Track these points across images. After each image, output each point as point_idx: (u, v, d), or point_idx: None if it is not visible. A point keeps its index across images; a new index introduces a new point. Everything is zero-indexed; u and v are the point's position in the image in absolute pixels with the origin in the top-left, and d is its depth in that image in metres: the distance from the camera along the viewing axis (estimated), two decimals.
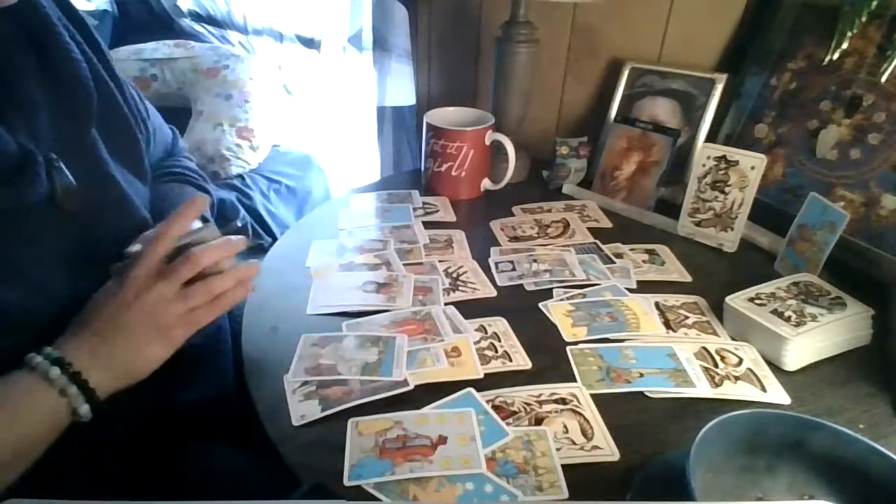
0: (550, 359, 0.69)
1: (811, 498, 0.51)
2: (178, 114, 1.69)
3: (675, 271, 0.86)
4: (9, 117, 0.58)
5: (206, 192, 0.83)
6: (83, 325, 0.58)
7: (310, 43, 1.75)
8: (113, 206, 0.67)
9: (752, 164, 0.86)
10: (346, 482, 0.53)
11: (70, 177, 0.61)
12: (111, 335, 0.57)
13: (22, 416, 0.53)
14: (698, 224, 0.92)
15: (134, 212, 0.69)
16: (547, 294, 0.80)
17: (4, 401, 0.53)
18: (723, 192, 0.89)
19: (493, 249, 0.90)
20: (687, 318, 0.76)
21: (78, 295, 0.61)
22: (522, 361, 0.68)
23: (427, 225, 0.96)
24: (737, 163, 0.87)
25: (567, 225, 0.97)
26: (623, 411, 0.62)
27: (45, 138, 0.60)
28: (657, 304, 0.78)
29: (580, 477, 0.55)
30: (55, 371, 0.54)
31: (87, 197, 0.63)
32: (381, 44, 1.33)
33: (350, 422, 0.59)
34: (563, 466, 0.55)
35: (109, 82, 0.69)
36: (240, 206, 1.53)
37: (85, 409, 0.55)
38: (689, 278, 0.84)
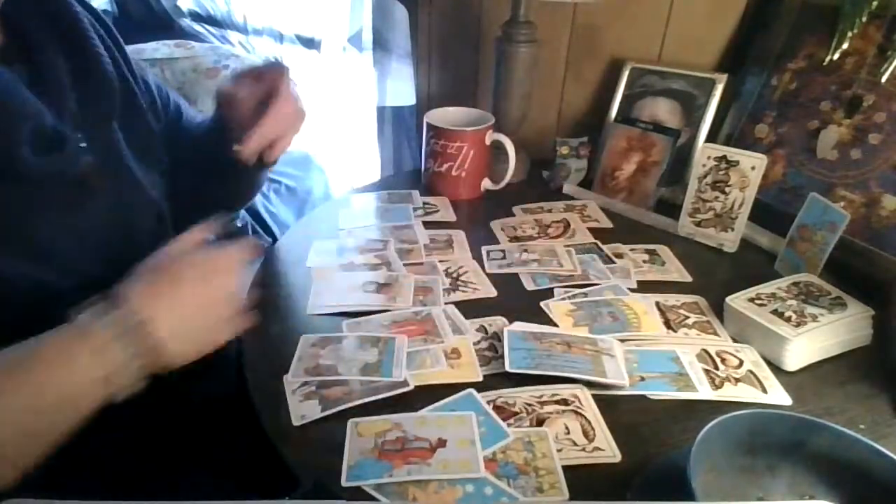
0: None
1: (812, 498, 0.51)
2: None
3: (676, 271, 0.86)
4: (40, 97, 0.59)
5: None
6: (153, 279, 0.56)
7: (310, 43, 1.75)
8: (130, 193, 0.69)
9: (752, 165, 0.86)
10: (344, 483, 0.53)
11: (92, 159, 0.63)
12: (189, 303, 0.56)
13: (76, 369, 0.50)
14: (699, 224, 0.92)
15: (150, 200, 0.72)
16: (548, 294, 0.80)
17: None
18: (723, 192, 0.89)
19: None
20: (687, 318, 0.76)
21: (98, 275, 0.61)
22: None
23: (427, 225, 0.96)
24: (737, 163, 0.87)
25: (567, 225, 0.97)
26: (624, 412, 0.62)
27: (71, 120, 0.62)
28: (657, 304, 0.78)
29: (581, 478, 0.55)
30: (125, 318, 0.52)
31: (107, 181, 0.65)
32: (381, 44, 1.33)
33: (350, 422, 0.59)
34: (564, 467, 0.55)
35: (128, 75, 0.72)
36: None
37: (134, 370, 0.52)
38: (689, 278, 0.84)
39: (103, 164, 0.65)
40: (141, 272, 0.57)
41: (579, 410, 0.62)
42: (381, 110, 1.41)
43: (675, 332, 0.74)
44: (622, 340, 0.71)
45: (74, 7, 0.66)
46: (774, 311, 0.71)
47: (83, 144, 0.63)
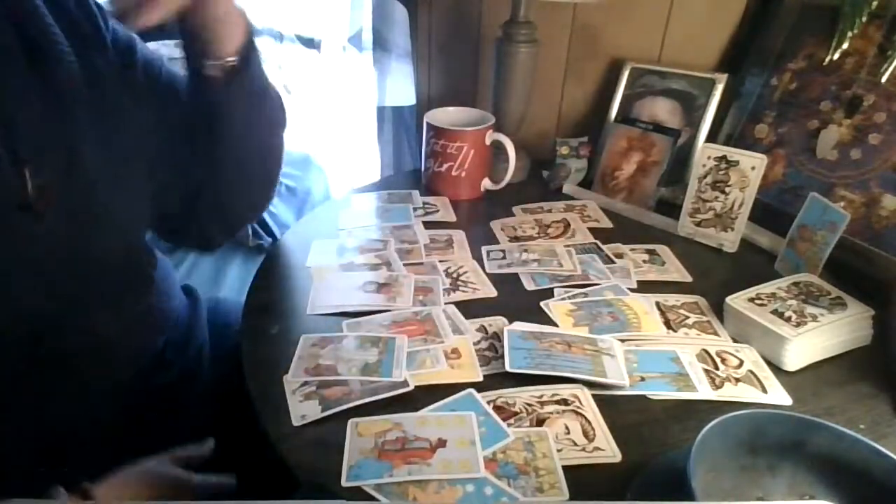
0: None
1: (812, 498, 0.51)
2: None
3: (676, 271, 0.86)
4: None
5: None
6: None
7: (310, 43, 1.75)
8: (89, 216, 0.63)
9: (752, 165, 0.86)
10: (344, 482, 0.53)
11: (42, 179, 0.57)
12: None
13: None
14: (699, 224, 0.92)
15: (117, 225, 0.66)
16: (548, 293, 0.80)
17: None
18: (723, 192, 0.89)
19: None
20: (687, 317, 0.76)
21: (46, 313, 0.60)
22: None
23: (427, 225, 0.96)
24: (737, 163, 0.87)
25: (567, 225, 0.97)
26: (624, 412, 0.62)
27: (23, 138, 0.57)
28: (658, 304, 0.78)
29: (581, 478, 0.55)
30: None
31: (58, 202, 0.59)
32: (381, 44, 1.32)
33: (350, 422, 0.59)
34: (564, 467, 0.55)
35: (108, 74, 0.65)
36: None
37: None
38: (689, 278, 0.84)
39: (57, 183, 0.59)
40: (115, 479, 0.59)
41: (579, 410, 0.62)
42: (381, 110, 1.40)
43: (675, 332, 0.74)
44: (622, 340, 0.71)
45: (40, 10, 0.59)
46: (774, 311, 0.71)
47: (31, 164, 0.56)
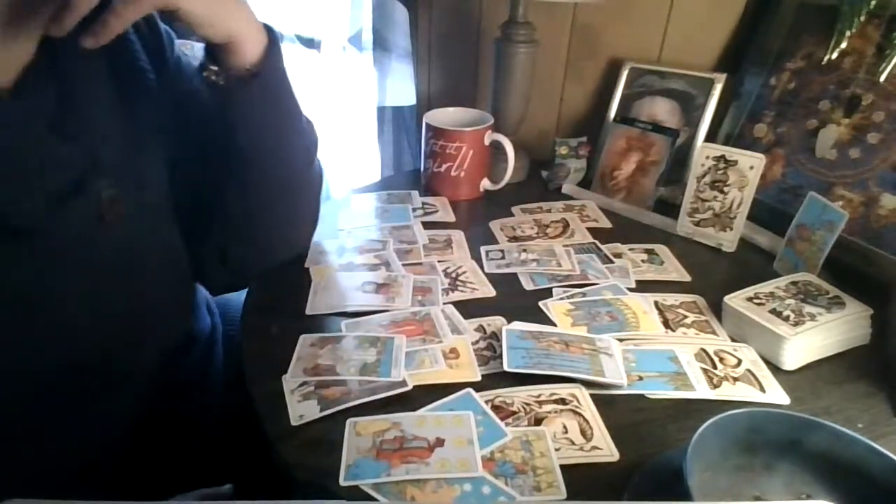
0: None
1: (809, 497, 0.51)
2: None
3: (674, 271, 0.86)
4: (66, 140, 0.57)
5: None
6: None
7: (310, 43, 1.75)
8: (148, 241, 0.68)
9: (750, 164, 0.86)
10: (342, 482, 0.53)
11: (115, 192, 0.61)
12: None
13: None
14: (697, 224, 0.92)
15: (167, 251, 0.71)
16: (546, 293, 0.80)
17: None
18: (722, 191, 0.89)
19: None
20: (686, 317, 0.76)
21: (95, 336, 0.62)
22: None
23: (426, 225, 0.96)
24: (736, 162, 0.87)
25: (566, 225, 0.97)
26: (622, 411, 0.62)
27: (104, 151, 0.60)
28: (656, 304, 0.78)
29: (579, 477, 0.55)
30: None
31: (126, 222, 0.63)
32: (381, 44, 1.32)
33: (349, 422, 0.59)
34: (562, 467, 0.55)
35: (173, 96, 0.69)
36: None
37: None
38: (688, 278, 0.84)
39: (126, 198, 0.62)
40: None
41: (577, 410, 0.62)
42: (381, 110, 1.40)
43: (673, 331, 0.74)
44: (620, 340, 0.71)
45: (134, 46, 0.63)
46: (773, 311, 0.71)
47: (109, 188, 0.60)
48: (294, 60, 1.80)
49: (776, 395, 0.65)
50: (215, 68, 0.65)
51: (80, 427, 0.66)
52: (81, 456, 0.67)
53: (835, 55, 0.89)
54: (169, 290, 0.73)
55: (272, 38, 0.67)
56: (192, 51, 0.67)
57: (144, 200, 0.66)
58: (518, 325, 0.72)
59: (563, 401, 0.63)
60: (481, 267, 0.86)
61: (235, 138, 0.68)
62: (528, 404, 0.62)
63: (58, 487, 0.65)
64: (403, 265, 0.85)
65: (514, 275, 0.84)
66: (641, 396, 0.64)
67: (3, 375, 0.58)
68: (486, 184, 1.06)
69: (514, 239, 0.93)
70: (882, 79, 0.84)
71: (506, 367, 0.65)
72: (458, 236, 0.93)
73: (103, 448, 0.69)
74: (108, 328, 0.64)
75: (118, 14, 0.52)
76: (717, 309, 0.76)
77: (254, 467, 0.73)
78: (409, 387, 0.64)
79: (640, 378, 0.66)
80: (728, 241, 0.90)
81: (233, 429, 0.77)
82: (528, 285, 0.82)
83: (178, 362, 0.77)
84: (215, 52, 0.64)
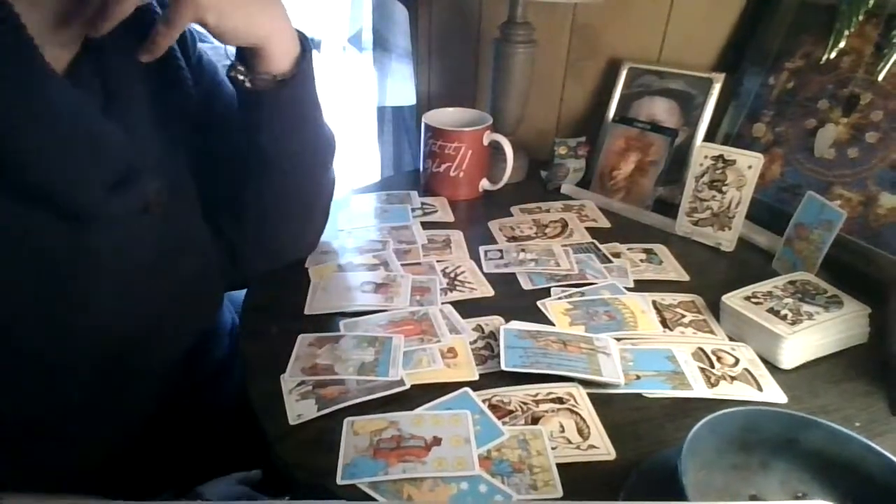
0: None
1: (805, 496, 0.51)
2: None
3: (673, 270, 0.86)
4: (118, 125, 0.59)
5: None
6: None
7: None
8: (183, 235, 0.69)
9: (749, 164, 0.86)
10: (339, 481, 0.53)
11: (159, 184, 0.63)
12: None
13: None
14: (696, 223, 0.92)
15: (198, 246, 0.72)
16: (545, 293, 0.80)
17: None
18: (720, 191, 0.89)
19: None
20: (684, 316, 0.76)
21: (127, 333, 0.63)
22: None
23: (425, 225, 0.96)
24: (734, 162, 0.87)
25: (565, 225, 0.97)
26: (619, 410, 0.63)
27: (147, 144, 0.62)
28: (654, 303, 0.78)
29: (575, 476, 0.55)
30: None
31: (163, 215, 0.64)
32: (381, 44, 1.33)
33: (346, 421, 0.59)
34: (559, 465, 0.55)
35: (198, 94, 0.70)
36: None
37: None
38: (686, 277, 0.85)
39: (164, 191, 0.64)
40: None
41: (574, 409, 0.62)
42: (381, 110, 1.41)
43: (671, 330, 0.74)
44: (618, 339, 0.72)
45: (155, 9, 0.63)
46: (770, 310, 0.71)
47: (153, 181, 0.62)
48: None
49: (774, 394, 0.65)
50: (243, 69, 0.66)
51: (107, 417, 0.67)
52: (110, 445, 0.68)
53: (833, 54, 0.89)
54: (199, 284, 0.73)
55: (305, 46, 0.68)
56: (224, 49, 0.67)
57: (181, 194, 0.68)
58: (516, 325, 0.72)
59: (560, 400, 0.63)
60: (480, 267, 0.86)
61: (258, 138, 0.69)
62: (525, 403, 0.62)
63: (81, 479, 0.66)
64: (402, 265, 0.85)
65: (513, 274, 0.84)
66: (639, 395, 0.64)
67: (33, 367, 0.59)
68: (485, 184, 1.06)
69: (513, 239, 0.93)
70: (880, 78, 0.84)
71: (503, 366, 0.65)
72: (457, 236, 0.93)
73: (129, 437, 0.70)
74: (141, 317, 0.65)
75: (163, 34, 0.57)
76: (715, 308, 0.76)
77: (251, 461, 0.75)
78: (407, 386, 0.64)
79: (638, 377, 0.66)
80: (726, 240, 0.90)
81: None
82: (526, 285, 0.82)
83: (204, 355, 0.79)
84: (246, 55, 0.65)
